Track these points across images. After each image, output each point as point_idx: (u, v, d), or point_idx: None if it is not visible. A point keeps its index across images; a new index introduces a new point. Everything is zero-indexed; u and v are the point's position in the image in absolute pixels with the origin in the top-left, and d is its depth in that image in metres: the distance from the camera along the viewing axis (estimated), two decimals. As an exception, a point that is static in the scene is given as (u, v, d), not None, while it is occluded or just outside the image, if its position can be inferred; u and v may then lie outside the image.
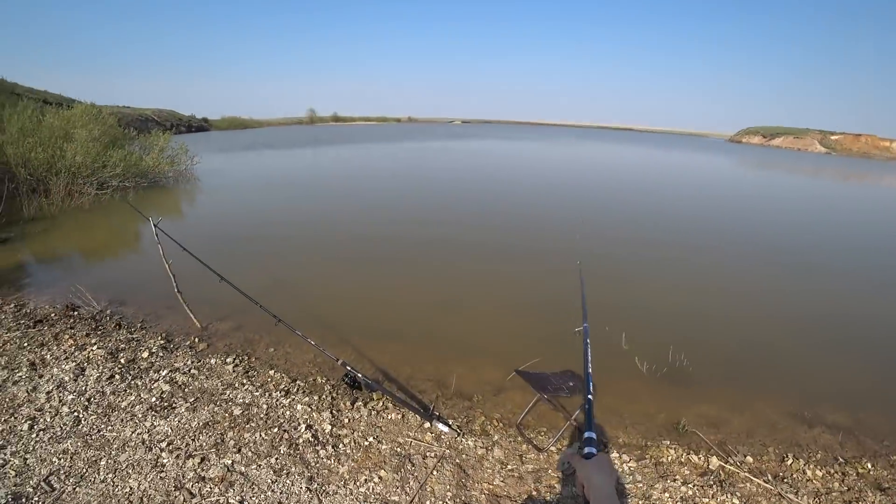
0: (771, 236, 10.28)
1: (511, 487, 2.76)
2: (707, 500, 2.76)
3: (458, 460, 2.95)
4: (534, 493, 2.74)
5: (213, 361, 3.98)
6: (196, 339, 4.39)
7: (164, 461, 2.80)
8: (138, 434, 3.03)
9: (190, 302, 4.69)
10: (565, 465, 1.29)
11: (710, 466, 3.07)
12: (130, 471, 2.73)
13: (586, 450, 0.95)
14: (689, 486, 2.86)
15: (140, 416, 3.22)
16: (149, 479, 2.67)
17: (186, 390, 3.55)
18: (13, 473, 2.70)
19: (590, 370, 1.40)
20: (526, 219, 10.74)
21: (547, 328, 5.00)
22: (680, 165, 29.50)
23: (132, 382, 3.60)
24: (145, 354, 4.03)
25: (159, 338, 4.36)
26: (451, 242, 8.45)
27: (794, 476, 3.03)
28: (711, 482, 2.90)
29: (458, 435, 3.16)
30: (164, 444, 2.94)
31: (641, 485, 2.87)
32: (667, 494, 2.78)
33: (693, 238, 9.77)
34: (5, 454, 2.84)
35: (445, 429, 3.16)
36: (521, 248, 8.22)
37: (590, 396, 1.14)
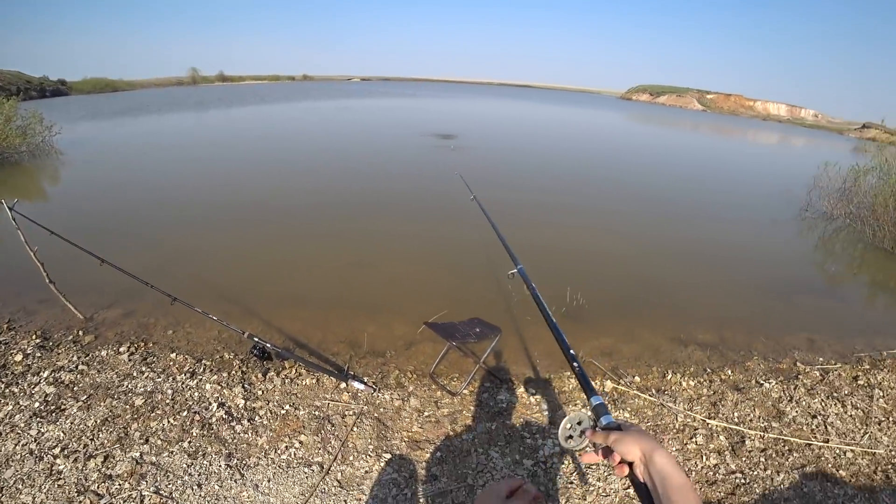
0: (655, 183, 11.39)
1: (429, 432, 2.91)
2: None
3: (376, 414, 3.03)
4: (451, 433, 2.91)
5: (104, 353, 3.67)
6: (80, 332, 4.00)
7: (61, 467, 2.60)
8: (23, 445, 2.77)
9: (67, 292, 4.21)
10: (578, 442, 0.82)
11: (605, 389, 3.44)
12: (21, 486, 2.51)
13: (604, 420, 0.80)
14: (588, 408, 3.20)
15: (23, 425, 2.92)
16: (45, 490, 2.47)
17: (76, 388, 3.26)
18: None
19: (549, 311, 1.28)
20: (421, 176, 10.75)
21: (451, 280, 5.20)
22: (575, 120, 30.93)
23: (6, 391, 3.23)
24: (19, 357, 3.62)
25: (34, 337, 3.91)
26: (349, 203, 8.29)
27: (673, 388, 3.51)
28: (606, 402, 3.26)
29: (375, 391, 3.24)
30: (57, 451, 2.72)
31: (547, 412, 3.16)
32: None
33: (585, 186, 10.51)
34: None
35: (361, 386, 3.21)
36: (419, 204, 8.31)
37: (575, 364, 0.99)
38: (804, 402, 3.38)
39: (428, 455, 2.73)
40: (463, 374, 3.49)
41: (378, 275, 5.38)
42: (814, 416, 3.23)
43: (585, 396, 0.87)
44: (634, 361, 3.90)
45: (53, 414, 3.02)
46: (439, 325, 3.46)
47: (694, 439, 2.95)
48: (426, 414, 3.07)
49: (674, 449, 2.86)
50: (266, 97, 40.50)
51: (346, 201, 8.38)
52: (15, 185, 9.73)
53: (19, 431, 2.88)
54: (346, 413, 3.01)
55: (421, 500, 2.43)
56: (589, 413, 0.84)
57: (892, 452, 2.92)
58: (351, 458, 2.68)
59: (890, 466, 2.81)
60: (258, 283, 5.05)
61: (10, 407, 3.09)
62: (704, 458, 2.81)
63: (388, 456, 2.69)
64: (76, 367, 3.51)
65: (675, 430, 3.03)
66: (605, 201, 9.27)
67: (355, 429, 2.88)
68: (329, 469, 2.59)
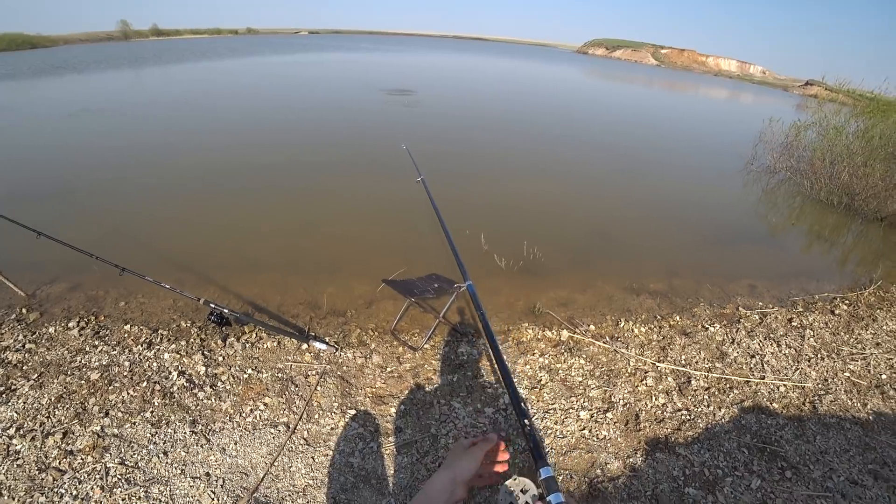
0: (609, 139, 11.58)
1: (392, 387, 3.01)
2: (560, 364, 3.28)
3: (339, 373, 3.10)
4: (413, 387, 3.02)
5: (51, 330, 3.56)
6: (23, 310, 3.84)
7: (18, 447, 2.56)
8: (-24, 428, 2.70)
9: (4, 268, 4.01)
10: None
11: (561, 338, 3.60)
12: (-23, 468, 2.47)
13: (552, 498, 0.68)
14: (546, 356, 3.36)
15: (-28, 408, 2.84)
16: (3, 471, 2.44)
17: (25, 368, 3.17)
18: None
19: (499, 347, 1.21)
20: (375, 135, 10.46)
21: (408, 237, 5.22)
22: (529, 75, 30.56)
23: (-49, 375, 3.12)
24: (-42, 340, 3.46)
25: (-28, 318, 3.74)
26: (301, 163, 8.07)
27: (626, 335, 3.71)
28: (563, 351, 3.44)
29: (337, 350, 3.29)
30: (12, 431, 2.66)
31: (507, 363, 3.30)
32: (528, 366, 3.26)
33: (540, 142, 10.55)
34: None
35: (323, 346, 3.25)
36: (373, 163, 8.15)
37: (526, 422, 0.88)
38: (744, 344, 3.65)
39: (392, 409, 2.83)
40: (424, 330, 3.58)
41: (334, 235, 5.33)
42: (752, 356, 3.51)
43: (533, 463, 0.76)
44: (589, 311, 4.08)
45: (4, 395, 2.94)
46: (398, 282, 3.50)
47: (644, 381, 3.16)
48: (389, 370, 3.16)
49: (626, 391, 3.06)
50: (206, 53, 37.93)
51: (297, 161, 8.15)
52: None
53: (-32, 416, 2.80)
54: (310, 373, 3.06)
55: (386, 452, 2.54)
56: (536, 489, 0.75)
57: (819, 385, 3.23)
58: (316, 416, 2.75)
59: (816, 398, 3.11)
60: (211, 249, 4.93)
61: (-44, 391, 2.98)
62: (654, 398, 3.02)
63: (353, 412, 2.78)
64: (23, 345, 3.39)
65: (627, 375, 3.23)
66: (561, 157, 9.40)
67: (319, 388, 2.94)
68: (295, 428, 2.65)
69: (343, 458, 2.48)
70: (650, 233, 6.00)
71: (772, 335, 3.81)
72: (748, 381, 3.22)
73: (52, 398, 2.88)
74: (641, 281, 4.62)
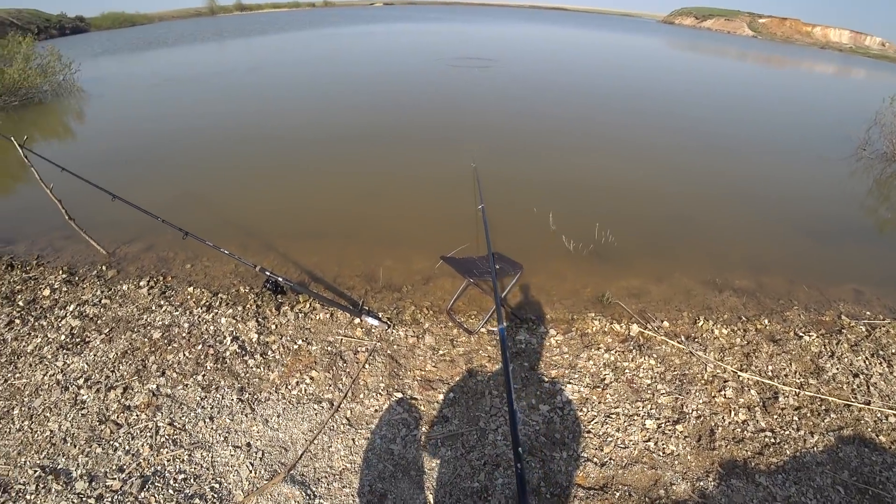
0: (694, 116, 10.39)
1: (443, 371, 2.84)
2: (627, 363, 2.95)
3: (389, 352, 2.98)
4: (465, 373, 2.83)
5: (125, 287, 3.73)
6: (103, 267, 4.07)
7: (84, 397, 2.69)
8: (51, 376, 2.87)
9: (88, 228, 4.27)
10: None
11: (630, 333, 3.25)
12: (48, 414, 2.61)
13: None
14: (612, 352, 3.04)
15: (50, 357, 3.02)
16: (70, 419, 2.56)
17: (99, 322, 3.34)
18: (-85, 439, 2.53)
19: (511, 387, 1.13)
20: (440, 104, 10.21)
21: (472, 213, 4.93)
22: (610, 46, 28.47)
23: (36, 324, 3.34)
24: (47, 292, 3.72)
25: (61, 272, 4.00)
26: (364, 134, 7.97)
27: (704, 336, 3.28)
28: (631, 347, 3.10)
29: (389, 327, 3.17)
30: (81, 381, 2.80)
31: (568, 355, 3.02)
32: (591, 362, 2.96)
33: (620, 117, 9.71)
34: None
35: (376, 322, 3.15)
36: (436, 136, 7.90)
37: (519, 465, 0.81)
38: (846, 359, 3.13)
39: (440, 396, 2.67)
40: (481, 312, 3.38)
41: (396, 207, 5.21)
42: (856, 375, 2.99)
43: None
44: (664, 305, 3.68)
45: (78, 346, 3.10)
46: (457, 259, 3.31)
47: (723, 392, 2.78)
48: (441, 352, 3.00)
49: (700, 401, 2.70)
50: (285, 25, 39.19)
51: (364, 132, 8.08)
52: (37, 124, 9.78)
53: (47, 363, 2.98)
54: (359, 349, 2.97)
55: (430, 442, 2.40)
56: None
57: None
58: (361, 395, 2.66)
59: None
60: (273, 217, 4.98)
61: (39, 339, 3.19)
62: (733, 412, 2.64)
63: (400, 395, 2.66)
64: (100, 300, 3.58)
65: (703, 381, 2.86)
66: (642, 134, 8.61)
67: (367, 366, 2.85)
68: (339, 406, 2.57)
69: (384, 444, 2.37)
70: (738, 222, 5.34)
71: (881, 352, 3.24)
72: (849, 405, 2.74)
73: (119, 353, 3.00)
74: (725, 276, 4.12)
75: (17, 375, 2.90)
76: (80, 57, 14.02)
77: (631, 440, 2.43)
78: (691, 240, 4.78)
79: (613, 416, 2.59)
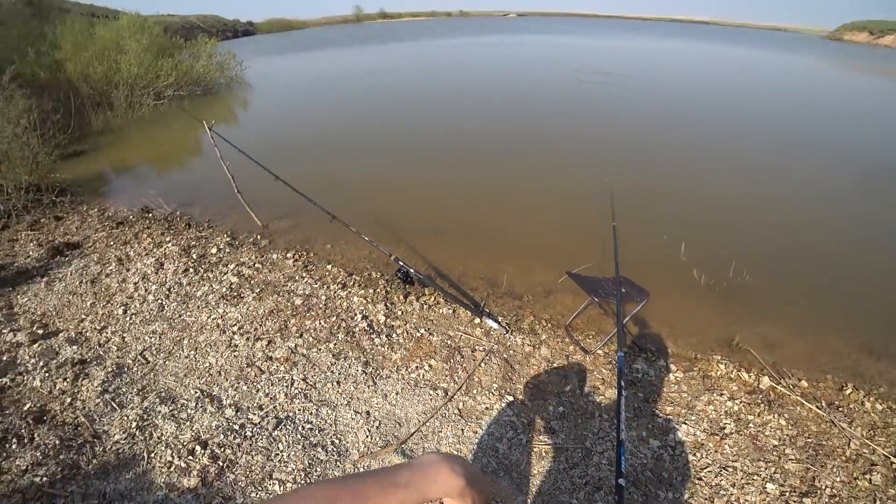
0: (867, 154, 9.09)
1: (555, 384, 2.84)
2: (752, 417, 2.72)
3: (505, 355, 3.06)
4: (577, 391, 2.81)
5: (274, 256, 4.22)
6: (258, 237, 4.63)
7: (237, 342, 3.09)
8: (213, 319, 3.33)
9: (250, 202, 4.89)
10: None
11: (760, 385, 2.99)
12: (209, 349, 3.04)
13: None
14: (736, 401, 2.82)
15: (213, 304, 3.51)
16: (224, 357, 2.96)
17: (252, 282, 3.81)
18: (115, 348, 3.07)
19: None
20: (574, 119, 10.12)
21: (600, 233, 4.83)
22: (765, 66, 26.02)
23: (204, 275, 3.90)
24: (214, 250, 4.32)
25: (225, 235, 4.63)
26: (502, 141, 8.17)
27: (851, 406, 2.90)
28: (759, 401, 2.84)
29: (507, 332, 3.25)
30: (235, 328, 3.22)
31: (686, 395, 2.86)
32: (711, 407, 2.78)
33: (772, 149, 8.83)
34: (108, 333, 3.23)
35: (495, 325, 3.25)
36: (570, 149, 7.81)
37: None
38: None
39: (550, 407, 2.69)
40: (600, 334, 3.34)
41: (524, 217, 5.28)
42: None
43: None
44: (803, 362, 3.31)
45: (235, 299, 3.57)
46: (583, 277, 3.31)
47: (868, 476, 2.45)
48: (555, 365, 3.02)
49: (838, 479, 2.42)
50: (422, 33, 41.87)
51: (496, 139, 8.30)
52: (214, 112, 11.40)
53: (211, 308, 3.46)
54: (477, 348, 3.09)
55: (534, 450, 2.42)
56: None
57: None
58: (474, 391, 2.75)
59: None
60: (408, 212, 5.30)
61: (206, 288, 3.72)
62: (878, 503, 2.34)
63: (511, 398, 2.71)
64: (254, 264, 4.08)
65: (843, 458, 2.55)
66: (801, 170, 7.68)
67: (483, 364, 2.95)
68: (452, 397, 2.69)
69: (490, 441, 2.44)
70: None
71: None
72: None
73: (266, 311, 3.40)
74: (886, 341, 3.57)
75: (188, 314, 3.41)
76: (248, 56, 16.16)
77: (747, 500, 2.25)
78: (846, 294, 4.20)
79: (730, 469, 2.41)
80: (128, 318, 3.39)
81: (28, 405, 2.61)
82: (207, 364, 2.91)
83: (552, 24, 68.11)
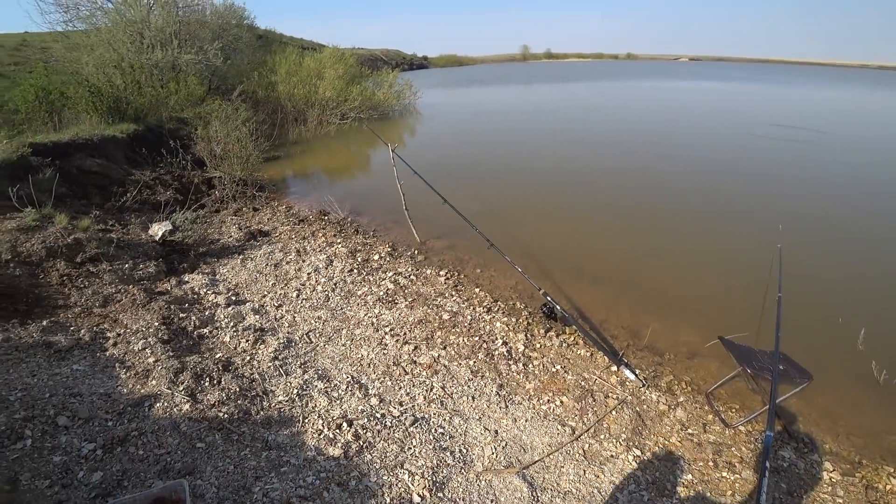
0: None
1: (687, 450, 2.69)
2: None
3: (638, 409, 2.96)
4: (710, 463, 2.62)
5: (428, 272, 4.57)
6: (416, 251, 5.06)
7: (387, 342, 3.42)
8: (369, 317, 3.73)
9: (414, 219, 5.37)
10: None
11: None
12: (362, 343, 3.41)
13: None
14: None
15: (371, 304, 3.92)
16: (375, 352, 3.30)
17: (406, 291, 4.17)
18: (286, 324, 3.59)
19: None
20: (746, 172, 9.26)
21: (760, 302, 4.43)
22: None
23: (366, 277, 4.37)
24: (376, 257, 4.81)
25: (387, 245, 5.13)
26: (662, 188, 7.89)
27: None
28: None
29: (643, 386, 3.15)
30: (387, 329, 3.57)
31: (841, 502, 2.51)
32: None
33: None
34: (283, 310, 3.78)
35: (632, 376, 3.17)
36: (738, 205, 7.23)
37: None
38: None
39: (678, 472, 2.54)
40: (745, 409, 3.07)
41: (678, 271, 5.02)
42: None
43: None
44: None
45: (389, 304, 3.95)
46: (736, 344, 3.09)
47: None
48: (689, 431, 2.85)
49: None
50: (587, 75, 41.82)
51: (657, 187, 8.02)
52: (387, 134, 12.59)
53: (368, 307, 3.87)
54: (610, 395, 3.04)
55: (657, 509, 2.32)
56: None
57: None
58: (602, 436, 2.72)
59: None
60: (560, 248, 5.38)
61: (366, 289, 4.16)
62: None
63: (638, 452, 2.63)
64: (409, 275, 4.47)
65: None
66: None
67: (614, 412, 2.89)
68: (579, 437, 2.69)
69: (610, 489, 2.39)
70: None
71: None
72: None
73: (416, 319, 3.71)
74: None
75: (349, 308, 3.86)
76: (421, 87, 17.64)
77: None
78: None
79: None
80: (300, 302, 3.94)
81: (219, 354, 3.17)
82: (360, 355, 3.27)
83: (725, 70, 62.93)
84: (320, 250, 4.94)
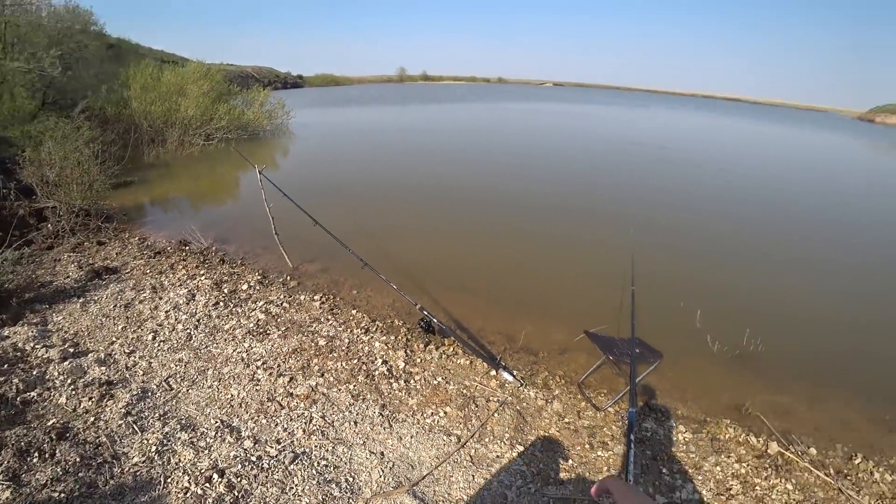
0: (889, 231, 9.15)
1: (566, 438, 2.87)
2: (759, 480, 2.71)
3: (518, 407, 3.09)
4: (587, 446, 2.83)
5: (302, 298, 4.37)
6: (288, 277, 4.82)
7: (259, 377, 3.19)
8: (238, 353, 3.46)
9: (284, 243, 5.12)
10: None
11: (768, 451, 2.97)
12: (232, 381, 3.14)
13: None
14: (743, 464, 2.81)
15: (240, 338, 3.65)
16: (246, 390, 3.06)
17: (279, 320, 3.95)
18: (141, 372, 3.20)
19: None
20: (602, 184, 10.39)
21: (617, 295, 4.90)
22: (795, 144, 26.33)
23: (233, 310, 4.06)
24: (245, 287, 4.50)
25: (257, 273, 4.83)
26: (528, 202, 8.46)
27: (860, 476, 2.86)
28: (767, 465, 2.83)
29: (521, 385, 3.30)
30: (259, 363, 3.33)
31: (694, 456, 2.86)
32: (718, 468, 2.77)
33: (797, 225, 8.90)
34: (135, 357, 3.37)
35: (510, 378, 3.30)
36: (595, 214, 8.04)
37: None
38: None
39: (560, 459, 2.70)
40: (612, 392, 3.36)
41: (545, 276, 5.40)
42: None
43: None
44: (813, 431, 3.27)
45: (261, 335, 3.70)
46: (599, 336, 3.38)
47: None
48: (566, 420, 3.03)
49: None
50: (462, 97, 43.96)
51: (523, 199, 8.58)
52: (258, 155, 12.06)
53: (237, 342, 3.59)
54: (491, 399, 3.13)
55: (542, 500, 2.42)
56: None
57: None
58: (486, 440, 2.78)
59: None
60: (434, 264, 5.47)
61: (234, 322, 3.86)
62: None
63: (521, 448, 2.74)
64: (281, 303, 4.24)
65: None
66: (821, 246, 7.71)
67: (496, 415, 2.98)
68: (465, 443, 2.72)
69: (500, 489, 2.45)
70: None
71: None
72: None
73: (290, 349, 3.52)
74: None
75: (215, 345, 3.55)
76: (295, 106, 17.11)
77: None
78: (861, 368, 4.16)
79: None
80: (156, 345, 3.54)
81: (52, 421, 2.71)
82: (229, 395, 3.01)
83: (587, 95, 70.17)
84: (180, 284, 4.50)
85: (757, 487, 2.66)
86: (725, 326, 4.39)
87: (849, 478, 2.83)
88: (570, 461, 2.71)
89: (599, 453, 2.80)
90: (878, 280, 6.30)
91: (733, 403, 3.46)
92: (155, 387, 3.07)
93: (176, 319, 3.88)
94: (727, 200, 10.08)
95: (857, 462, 2.98)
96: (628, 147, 16.38)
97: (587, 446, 2.84)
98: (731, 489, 2.63)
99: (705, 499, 2.54)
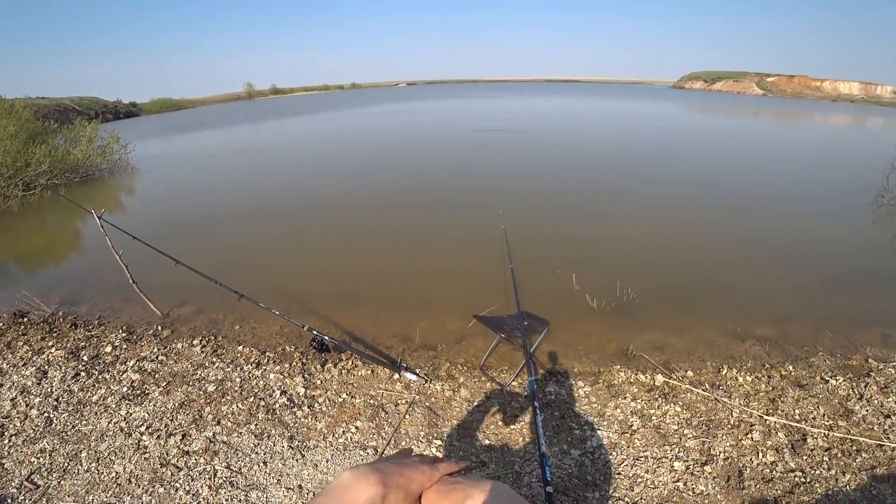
0: (712, 175, 10.79)
1: (479, 421, 3.01)
2: (654, 410, 3.10)
3: (427, 404, 3.17)
4: (500, 423, 2.99)
5: (179, 346, 4.02)
6: (159, 327, 4.39)
7: (146, 443, 2.90)
8: (115, 423, 3.10)
9: (147, 291, 4.63)
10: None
11: (655, 383, 3.40)
12: (114, 457, 2.82)
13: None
14: (638, 401, 3.19)
15: (114, 406, 3.27)
16: (133, 462, 2.77)
17: (157, 376, 3.60)
18: (-7, 478, 2.74)
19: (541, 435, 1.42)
20: (464, 173, 10.87)
21: (500, 275, 5.21)
22: (623, 113, 29.77)
23: (100, 377, 3.62)
24: (108, 349, 4.02)
25: (120, 331, 4.33)
26: (396, 199, 8.60)
27: (728, 383, 3.41)
28: (657, 396, 3.25)
29: (427, 381, 3.37)
30: (142, 428, 3.02)
31: (596, 405, 3.18)
32: (619, 410, 3.11)
33: (637, 182, 10.11)
34: (-19, 461, 2.87)
35: (414, 377, 3.36)
36: (463, 202, 8.39)
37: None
38: (876, 401, 3.20)
39: (477, 443, 2.83)
40: (512, 367, 3.57)
41: (429, 270, 5.53)
42: (887, 416, 3.06)
43: None
44: (687, 356, 3.82)
45: (139, 397, 3.35)
46: (488, 318, 3.56)
47: (750, 435, 2.88)
48: (476, 404, 3.18)
49: (728, 444, 2.81)
50: (316, 107, 43.09)
51: (395, 199, 8.68)
52: (97, 199, 10.72)
53: (111, 412, 3.22)
54: (399, 402, 3.16)
55: (469, 484, 2.53)
56: None
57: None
58: (403, 443, 2.82)
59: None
60: (316, 282, 5.34)
61: (104, 391, 3.45)
62: (761, 454, 2.74)
63: (439, 442, 2.82)
64: (156, 357, 3.86)
65: (729, 426, 2.98)
66: (659, 197, 8.85)
67: (407, 416, 3.02)
68: (383, 452, 2.74)
69: (426, 488, 2.51)
70: (759, 275, 5.46)
71: (914, 394, 3.30)
72: (882, 445, 2.80)
73: (176, 404, 3.23)
74: (748, 326, 4.23)
75: (84, 422, 3.14)
76: (133, 138, 15.48)
77: (660, 481, 2.54)
78: (712, 294, 4.93)
79: (642, 459, 2.70)
80: (7, 441, 3.04)
81: None
82: (114, 473, 2.70)
83: (439, 91, 72.85)
84: (24, 363, 3.89)
85: (653, 417, 3.03)
86: (599, 282, 4.89)
87: (721, 388, 3.35)
88: (488, 441, 2.84)
89: (513, 427, 2.97)
90: (712, 217, 7.44)
91: (619, 350, 3.88)
92: (15, 490, 2.65)
93: (27, 405, 3.36)
94: (577, 167, 11.14)
95: (724, 373, 3.54)
96: (478, 134, 17.24)
97: (500, 423, 3.00)
98: (632, 426, 2.97)
99: (613, 440, 2.84)
